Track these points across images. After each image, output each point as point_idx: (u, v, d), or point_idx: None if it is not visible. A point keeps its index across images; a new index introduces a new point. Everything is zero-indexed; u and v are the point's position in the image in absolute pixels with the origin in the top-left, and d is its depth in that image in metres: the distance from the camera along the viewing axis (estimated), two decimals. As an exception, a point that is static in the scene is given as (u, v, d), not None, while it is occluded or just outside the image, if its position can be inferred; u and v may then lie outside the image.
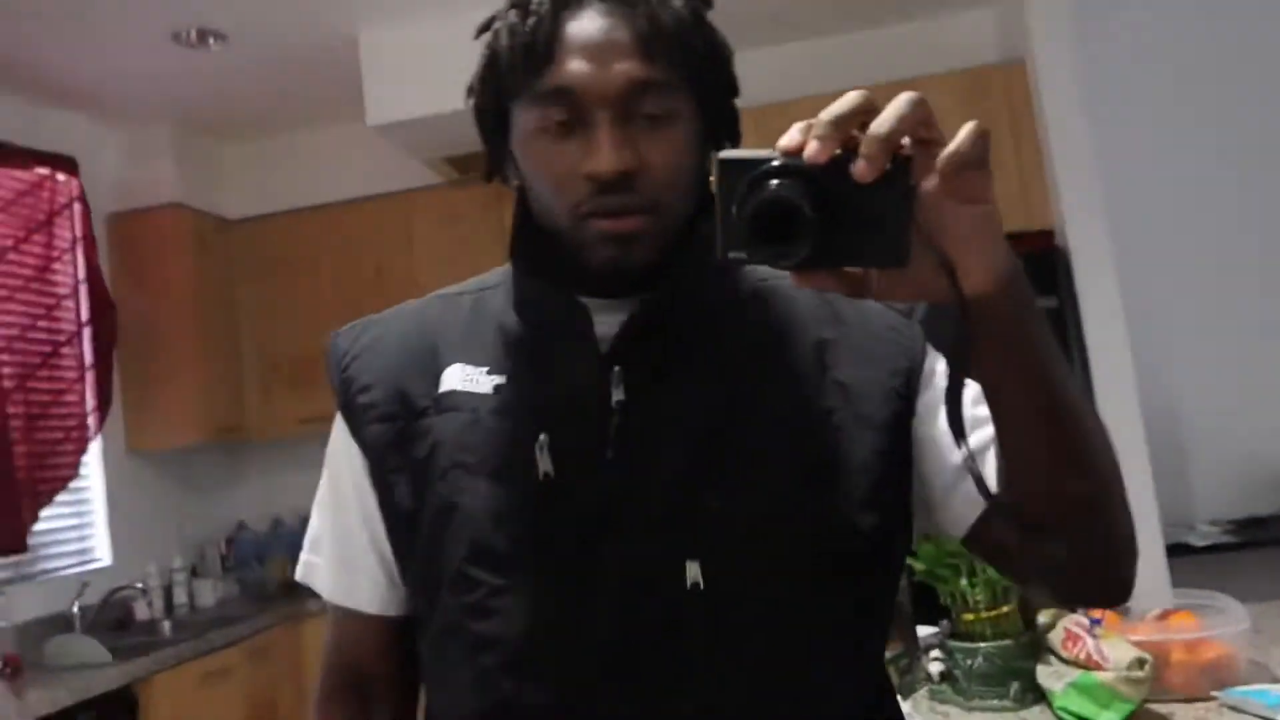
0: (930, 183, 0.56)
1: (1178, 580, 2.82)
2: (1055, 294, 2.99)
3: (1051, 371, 0.64)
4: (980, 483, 0.63)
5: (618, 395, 0.74)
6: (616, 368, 0.75)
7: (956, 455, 0.73)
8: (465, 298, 0.86)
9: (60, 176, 3.40)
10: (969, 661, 1.50)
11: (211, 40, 3.15)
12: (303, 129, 4.07)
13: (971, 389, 0.73)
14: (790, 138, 0.56)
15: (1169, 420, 3.47)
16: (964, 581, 1.50)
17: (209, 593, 3.67)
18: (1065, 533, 0.68)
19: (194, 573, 3.77)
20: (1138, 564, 0.72)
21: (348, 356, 0.85)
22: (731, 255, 0.57)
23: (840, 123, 0.55)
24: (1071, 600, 0.79)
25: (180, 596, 3.62)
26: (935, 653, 1.61)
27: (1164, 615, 1.53)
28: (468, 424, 0.78)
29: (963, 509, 0.74)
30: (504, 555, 0.75)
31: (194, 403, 3.65)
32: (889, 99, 0.56)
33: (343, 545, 0.86)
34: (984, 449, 0.72)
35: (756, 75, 3.74)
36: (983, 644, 1.49)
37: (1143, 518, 2.84)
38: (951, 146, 0.55)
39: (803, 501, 0.73)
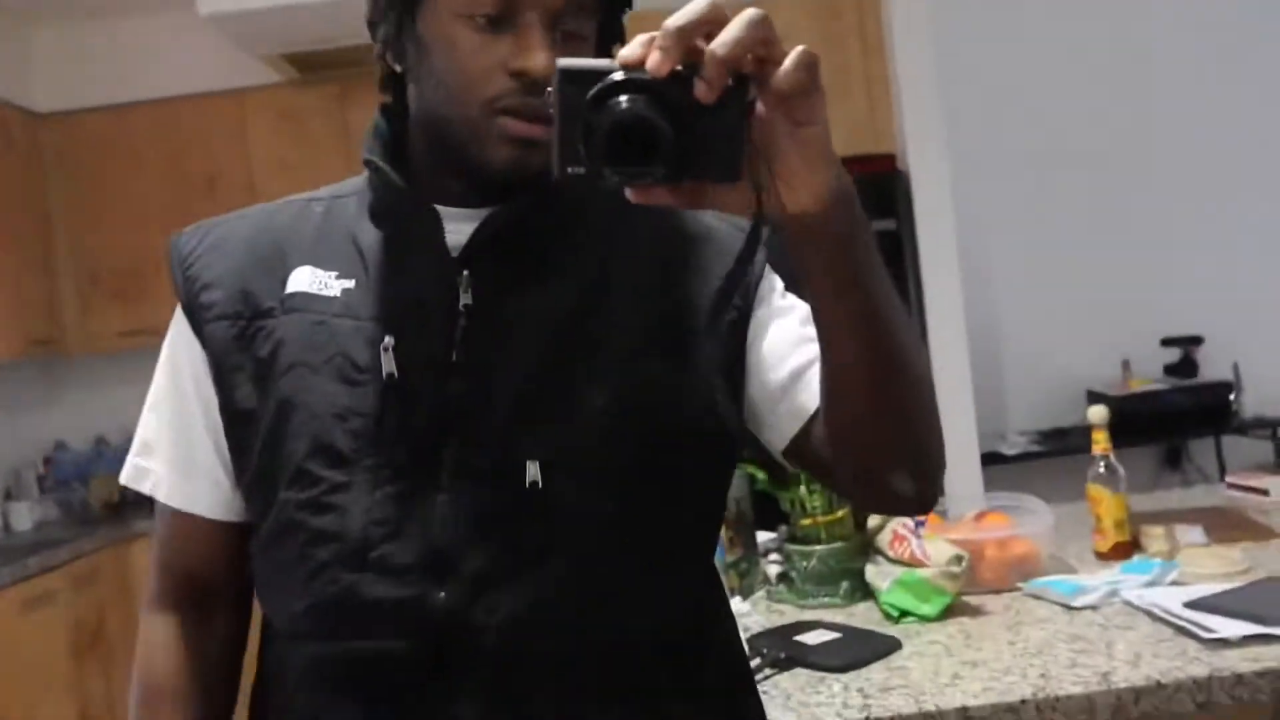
0: (762, 107, 0.57)
1: (990, 486, 3.08)
2: (894, 216, 3.12)
3: (874, 288, 0.65)
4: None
5: (465, 300, 0.76)
6: (465, 272, 0.76)
7: (780, 372, 0.78)
8: (317, 204, 0.85)
9: None
10: (804, 563, 1.59)
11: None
12: (126, 15, 3.72)
13: (801, 309, 0.79)
14: (632, 50, 0.56)
15: (989, 338, 3.72)
16: (802, 489, 1.58)
17: (25, 516, 3.45)
18: (879, 443, 0.72)
19: (9, 495, 3.54)
20: (945, 472, 0.76)
21: (191, 255, 0.83)
22: (571, 171, 0.56)
23: (684, 34, 0.54)
24: (882, 508, 0.84)
25: (-6, 520, 3.40)
26: (774, 556, 1.70)
27: (980, 516, 1.67)
28: (313, 325, 0.78)
29: (784, 423, 0.78)
30: (345, 452, 0.75)
31: (4, 314, 3.36)
32: (739, 10, 0.55)
33: (183, 448, 0.84)
34: (808, 365, 0.76)
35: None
36: (818, 547, 1.58)
37: (961, 428, 3.04)
38: (785, 64, 0.56)
39: (640, 405, 0.76)
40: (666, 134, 0.54)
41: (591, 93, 0.55)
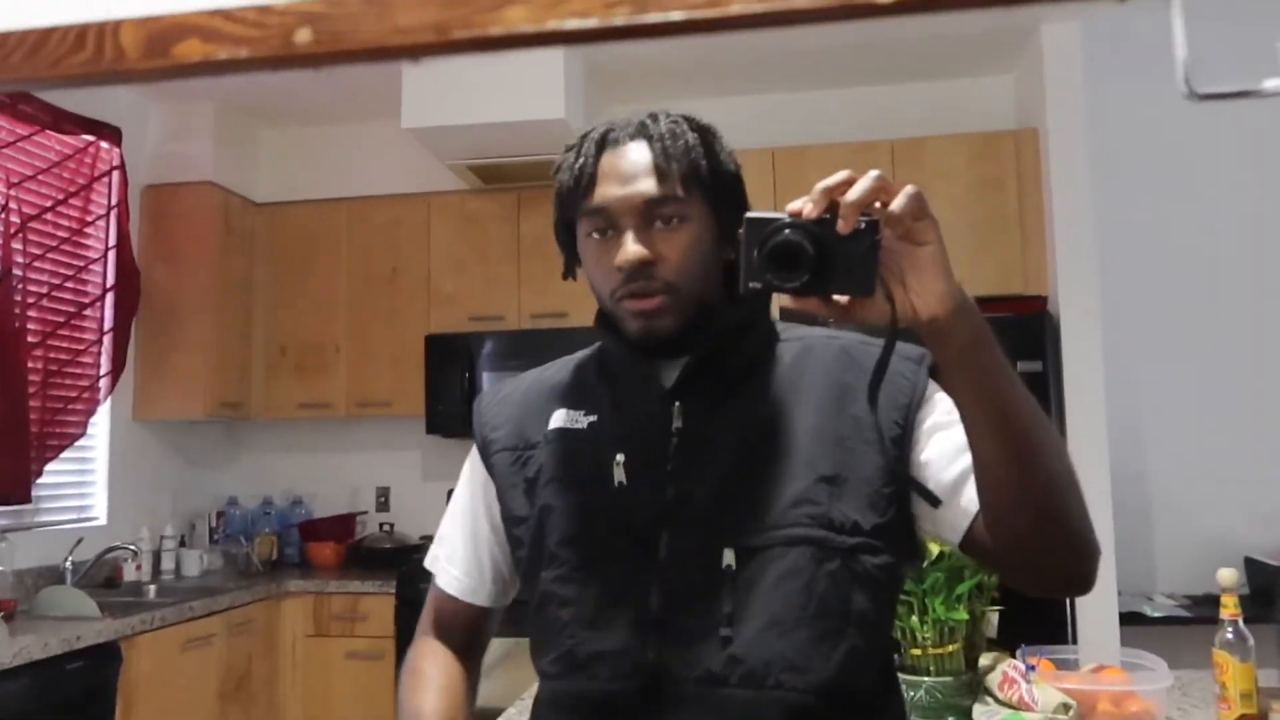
0: (888, 236, 0.77)
1: (1128, 645, 2.94)
2: (1041, 358, 3.12)
3: (1004, 386, 0.81)
4: (924, 490, 0.90)
5: (677, 424, 1.00)
6: (677, 403, 1.00)
7: (948, 475, 0.93)
8: (570, 363, 1.14)
9: (104, 145, 3.53)
10: (911, 693, 1.61)
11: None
12: (339, 122, 4.21)
13: (958, 431, 0.91)
14: (795, 204, 0.79)
15: (1138, 491, 3.58)
16: (914, 619, 1.60)
17: (195, 563, 3.77)
18: (1027, 529, 0.85)
19: (182, 542, 3.87)
20: (1098, 562, 0.88)
21: (485, 408, 1.15)
22: (750, 285, 0.80)
23: (828, 191, 0.78)
24: (1043, 590, 0.95)
25: (168, 563, 3.72)
26: (883, 683, 1.72)
27: (1097, 669, 1.64)
28: (567, 449, 1.04)
29: (956, 519, 0.93)
30: (585, 541, 1.00)
31: (202, 378, 3.76)
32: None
33: (474, 550, 1.15)
34: (969, 472, 0.90)
35: (785, 118, 3.89)
36: (926, 678, 1.60)
37: (1102, 584, 2.94)
38: (892, 205, 0.77)
39: (815, 502, 0.94)
40: (807, 251, 0.78)
41: (767, 229, 0.79)
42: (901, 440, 0.95)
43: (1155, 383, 3.66)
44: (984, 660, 1.61)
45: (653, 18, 0.34)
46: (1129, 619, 3.14)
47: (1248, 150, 3.64)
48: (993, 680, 1.57)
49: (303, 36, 0.38)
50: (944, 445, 0.94)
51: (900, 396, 0.96)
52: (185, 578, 3.72)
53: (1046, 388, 3.07)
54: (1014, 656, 1.62)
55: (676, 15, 0.34)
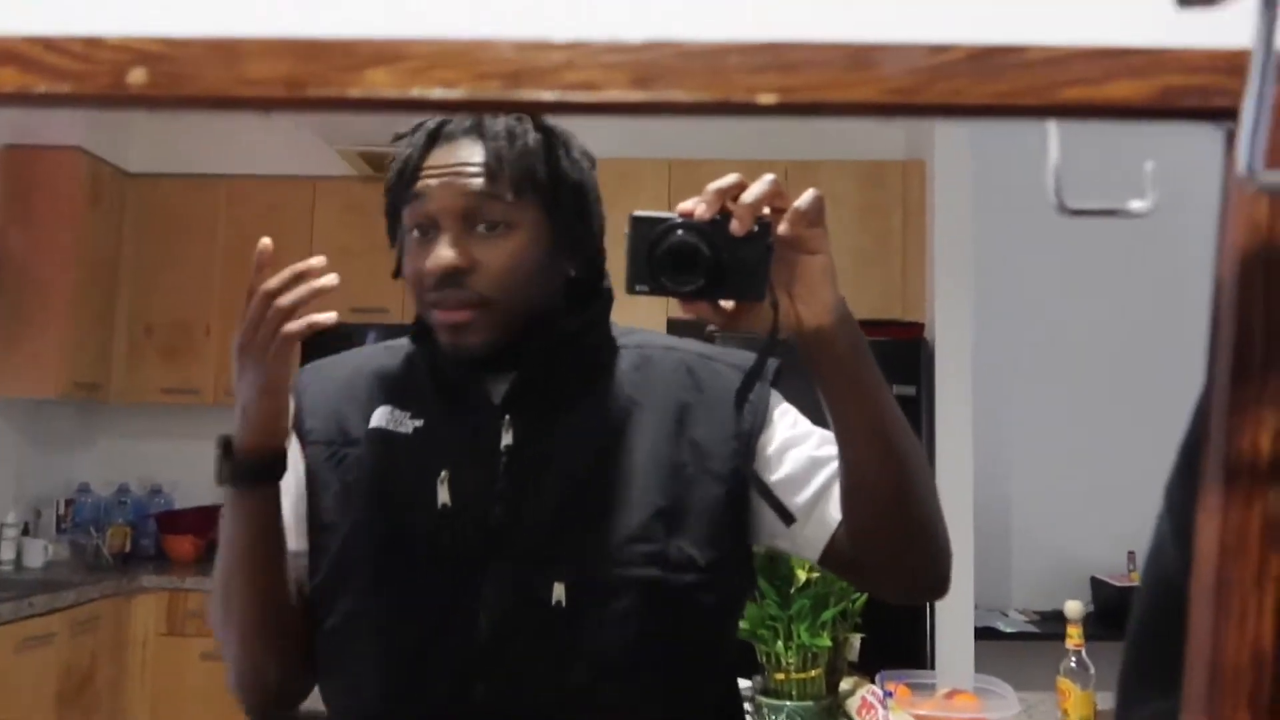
0: (781, 230, 0.75)
1: (983, 659, 3.07)
2: (916, 383, 3.22)
3: (880, 397, 0.81)
4: (781, 509, 0.86)
5: (506, 440, 0.91)
6: (506, 417, 0.92)
7: (805, 494, 0.91)
8: (400, 351, 1.02)
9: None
10: (774, 717, 1.63)
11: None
12: (219, 97, 4.01)
13: (816, 435, 0.93)
14: (686, 204, 0.76)
15: (998, 513, 3.75)
16: (780, 644, 1.63)
17: (38, 554, 3.54)
18: (897, 535, 0.85)
19: (26, 530, 3.63)
20: (952, 564, 0.89)
21: (305, 387, 1.02)
22: (637, 288, 0.76)
23: (721, 194, 0.75)
24: (903, 597, 0.97)
25: (7, 553, 3.48)
26: (747, 706, 1.74)
27: (951, 694, 1.70)
28: (388, 457, 0.94)
29: (816, 533, 0.91)
30: (404, 569, 0.90)
31: (56, 355, 3.53)
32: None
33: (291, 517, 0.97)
34: (829, 483, 0.90)
35: (683, 132, 3.90)
36: (788, 703, 1.62)
37: (960, 600, 3.04)
38: (796, 203, 0.75)
39: (651, 539, 0.88)
40: (704, 253, 0.75)
41: (656, 231, 0.76)
42: (746, 459, 0.91)
43: (1021, 410, 3.84)
44: (844, 685, 1.65)
45: (524, 95, 0.33)
46: (984, 633, 3.27)
47: (1120, 190, 3.85)
48: (852, 705, 1.60)
49: (137, 77, 0.34)
50: (797, 463, 0.92)
51: (740, 421, 0.93)
52: (26, 569, 3.48)
53: (919, 411, 3.17)
54: (873, 682, 1.66)
55: (548, 96, 0.32)
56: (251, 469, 0.91)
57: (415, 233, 0.90)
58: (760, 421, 0.93)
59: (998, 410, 3.72)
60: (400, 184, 0.92)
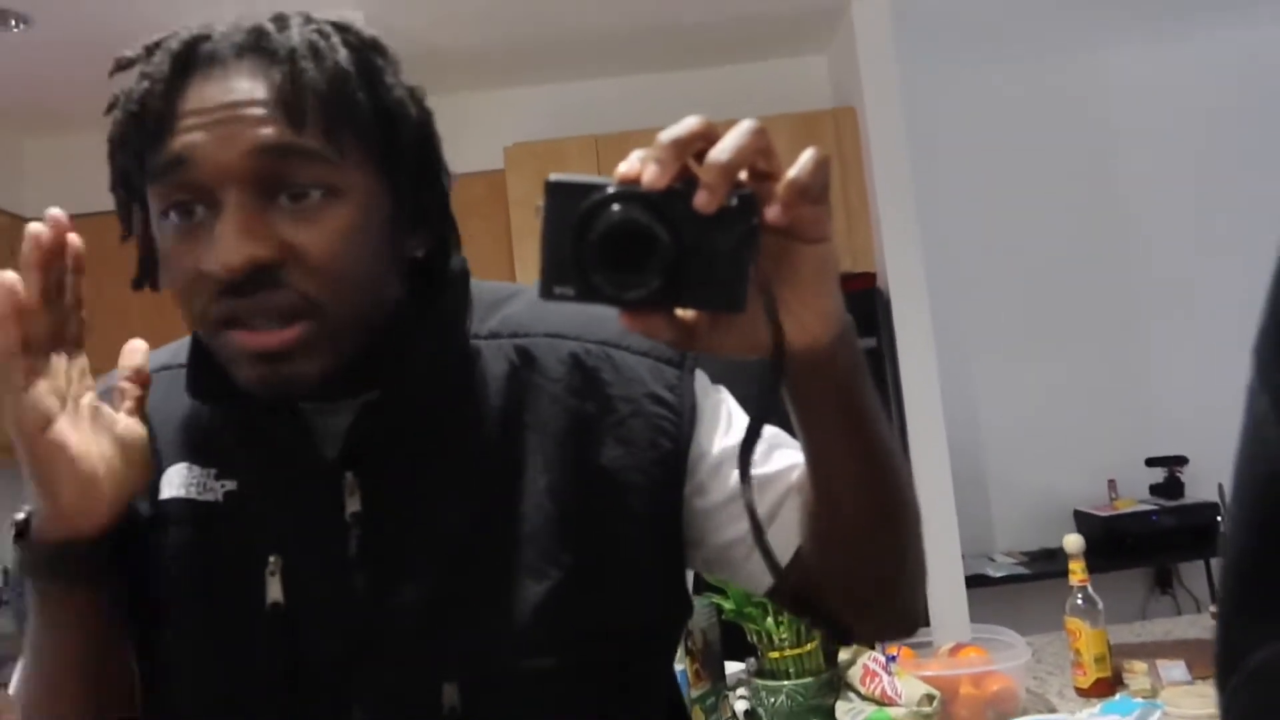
0: (771, 214, 0.50)
1: (976, 607, 3.00)
2: (875, 334, 3.13)
3: (879, 426, 0.60)
4: (769, 556, 0.56)
5: (352, 507, 0.65)
6: (348, 475, 0.66)
7: (744, 523, 0.65)
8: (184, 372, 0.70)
9: None
10: (772, 699, 1.52)
11: (14, 22, 2.90)
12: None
13: (764, 438, 0.69)
14: (629, 164, 0.50)
15: (973, 458, 3.68)
16: (770, 620, 1.51)
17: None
18: (874, 577, 0.66)
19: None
20: (927, 596, 0.72)
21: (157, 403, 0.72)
22: (558, 292, 0.49)
23: (679, 147, 0.48)
24: (866, 639, 0.77)
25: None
26: (742, 691, 1.63)
27: (955, 650, 1.60)
28: (194, 542, 0.67)
29: (759, 570, 0.68)
30: (233, 699, 0.65)
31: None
32: (728, 129, 0.50)
33: None
34: (779, 505, 0.69)
35: (601, 104, 3.77)
36: (786, 682, 1.51)
37: (945, 551, 2.96)
38: (792, 173, 0.50)
39: (565, 612, 0.66)
40: (664, 239, 0.48)
41: (585, 204, 0.49)
42: (672, 503, 0.69)
43: (983, 351, 3.78)
44: (843, 655, 1.54)
45: None
46: (974, 581, 3.20)
47: (1056, 115, 3.80)
48: (854, 675, 1.50)
49: None
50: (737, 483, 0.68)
51: (659, 437, 0.69)
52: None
53: (882, 363, 3.09)
54: (873, 648, 1.55)
55: None
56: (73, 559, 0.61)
57: (173, 216, 0.60)
58: (688, 428, 0.69)
59: (960, 353, 3.66)
60: (139, 139, 0.61)
